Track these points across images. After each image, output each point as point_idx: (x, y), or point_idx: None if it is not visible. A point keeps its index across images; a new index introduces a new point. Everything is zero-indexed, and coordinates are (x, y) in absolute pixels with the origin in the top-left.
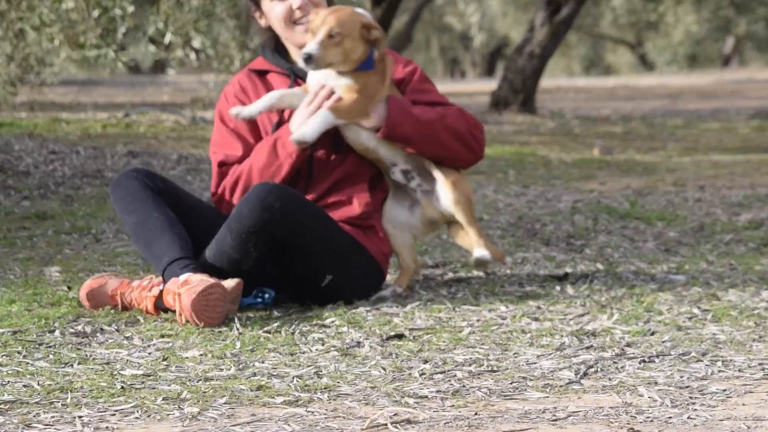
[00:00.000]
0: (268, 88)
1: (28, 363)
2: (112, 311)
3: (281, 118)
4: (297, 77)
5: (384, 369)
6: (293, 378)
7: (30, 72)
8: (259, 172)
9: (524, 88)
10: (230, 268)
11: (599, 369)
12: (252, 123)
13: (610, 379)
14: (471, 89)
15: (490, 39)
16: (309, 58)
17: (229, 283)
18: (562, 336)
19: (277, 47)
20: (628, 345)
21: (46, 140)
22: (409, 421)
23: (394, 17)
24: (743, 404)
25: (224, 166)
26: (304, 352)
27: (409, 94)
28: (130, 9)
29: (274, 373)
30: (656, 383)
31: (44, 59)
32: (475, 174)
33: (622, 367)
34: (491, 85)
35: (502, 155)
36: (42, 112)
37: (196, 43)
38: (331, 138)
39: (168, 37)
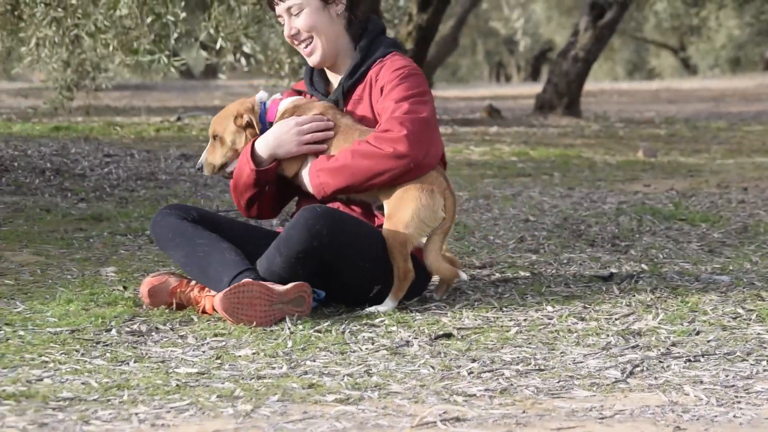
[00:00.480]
0: None
1: (85, 361)
2: (167, 311)
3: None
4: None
5: (433, 367)
6: (344, 376)
7: (85, 77)
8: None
9: (569, 92)
10: (281, 284)
11: (645, 368)
12: None
13: (656, 378)
14: (516, 93)
15: (534, 43)
16: (200, 168)
17: (286, 285)
18: (608, 335)
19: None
20: (674, 344)
21: (102, 144)
22: (457, 419)
23: (440, 22)
24: None
25: None
26: (354, 351)
27: (381, 99)
28: (182, 15)
29: (325, 372)
30: (701, 382)
31: (99, 65)
32: (521, 176)
33: (667, 367)
34: (536, 88)
35: (547, 157)
36: (97, 116)
37: (247, 48)
38: None
39: (219, 43)
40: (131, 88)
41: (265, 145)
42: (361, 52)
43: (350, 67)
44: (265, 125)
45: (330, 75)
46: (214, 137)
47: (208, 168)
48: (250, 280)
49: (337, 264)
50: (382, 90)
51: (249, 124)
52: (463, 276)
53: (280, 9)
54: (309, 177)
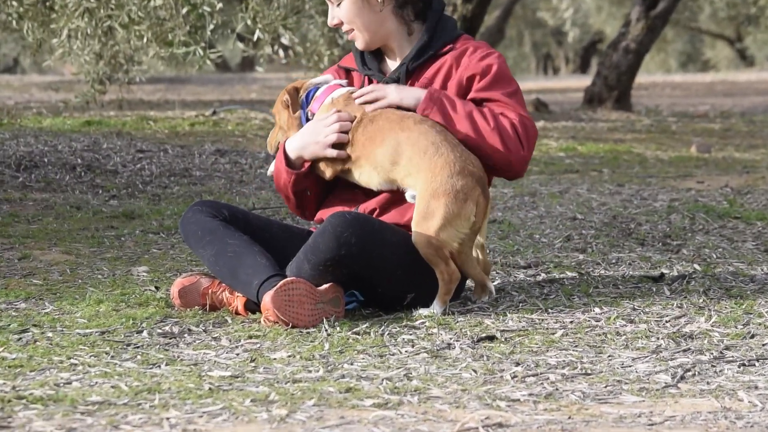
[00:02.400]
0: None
1: (116, 364)
2: (200, 312)
3: None
4: (372, 81)
5: (475, 371)
6: (383, 380)
7: (118, 70)
8: (276, 177)
9: (619, 84)
10: None
11: (697, 372)
12: None
13: (708, 383)
14: (564, 85)
15: (583, 34)
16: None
17: (323, 285)
18: (658, 338)
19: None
20: (727, 348)
21: (134, 139)
22: (500, 425)
23: (486, 12)
24: None
25: None
26: (393, 354)
27: (472, 93)
28: (219, 6)
29: (363, 375)
30: (756, 387)
31: (133, 57)
32: (569, 173)
33: (720, 371)
34: (585, 81)
35: (596, 153)
36: (130, 110)
37: (285, 39)
38: None
39: (256, 34)
40: (165, 81)
41: (292, 145)
42: (428, 33)
43: (416, 48)
44: (305, 113)
45: (385, 54)
46: (276, 117)
47: (269, 147)
48: (296, 278)
49: (368, 273)
50: (470, 79)
51: (287, 105)
52: (490, 286)
53: None
54: (429, 90)
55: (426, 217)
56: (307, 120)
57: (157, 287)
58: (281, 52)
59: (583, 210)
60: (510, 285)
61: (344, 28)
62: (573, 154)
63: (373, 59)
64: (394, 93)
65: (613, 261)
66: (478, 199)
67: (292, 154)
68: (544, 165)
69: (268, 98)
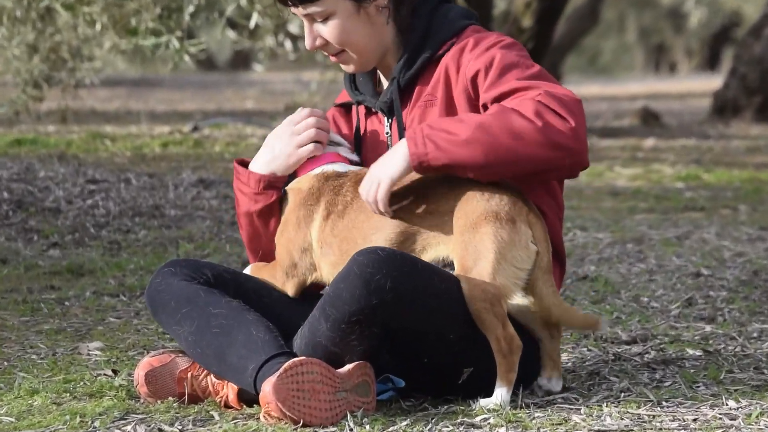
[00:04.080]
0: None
1: None
2: (176, 404)
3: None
4: (370, 113)
5: None
6: None
7: (61, 68)
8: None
9: (763, 87)
10: (329, 362)
11: None
12: None
13: None
14: (683, 88)
15: (712, 16)
16: None
17: (345, 366)
18: None
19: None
20: None
21: (84, 164)
22: None
23: None
24: None
25: None
26: None
27: (481, 97)
28: None
29: None
30: None
31: (81, 50)
32: (690, 210)
33: None
34: (714, 82)
35: (729, 183)
36: (77, 124)
37: (293, 27)
38: None
39: (254, 20)
40: (127, 84)
41: (260, 163)
42: (419, 31)
43: (405, 55)
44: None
45: (380, 73)
46: None
47: None
48: (306, 358)
49: (409, 333)
50: (474, 80)
51: None
52: (605, 327)
53: (297, 11)
54: (407, 136)
55: (470, 259)
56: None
57: (115, 371)
58: (288, 44)
59: (710, 263)
60: (607, 367)
61: (331, 50)
62: (696, 184)
63: (366, 80)
64: (380, 172)
65: (754, 335)
66: (528, 218)
67: (259, 171)
68: (654, 200)
69: (270, 108)
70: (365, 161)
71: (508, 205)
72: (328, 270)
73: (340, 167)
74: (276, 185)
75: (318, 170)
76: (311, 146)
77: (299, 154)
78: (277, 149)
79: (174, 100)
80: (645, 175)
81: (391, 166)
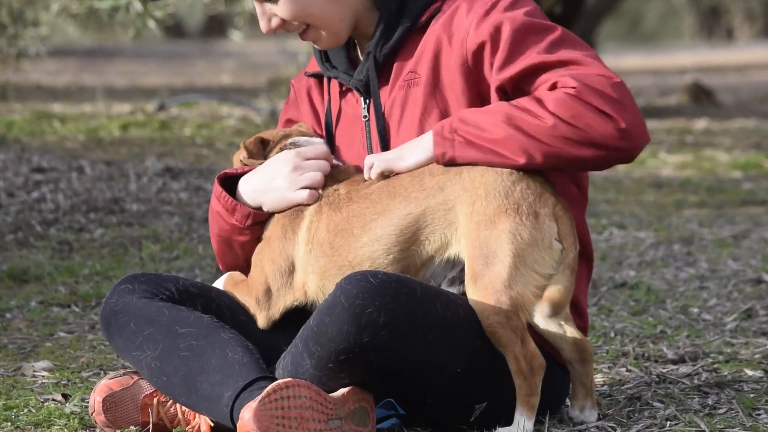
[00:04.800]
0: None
1: None
2: None
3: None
4: (345, 90)
5: None
6: None
7: (0, 35)
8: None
9: None
10: None
11: None
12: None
13: None
14: (742, 60)
15: None
16: None
17: (339, 391)
18: None
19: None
20: None
21: (28, 150)
22: None
23: None
24: None
25: None
26: None
27: (494, 79)
28: None
29: None
30: None
31: (23, 14)
32: (749, 204)
33: None
34: None
35: None
36: (20, 102)
37: None
38: None
39: None
40: (79, 54)
41: (251, 188)
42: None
43: (381, 25)
44: None
45: (356, 41)
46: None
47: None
48: (294, 380)
49: (408, 373)
50: (478, 54)
51: (250, 154)
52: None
53: None
54: (434, 131)
55: (482, 262)
56: None
57: (65, 396)
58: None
59: None
60: (650, 391)
61: (291, 28)
62: (756, 174)
63: (340, 52)
64: (395, 158)
65: None
66: (555, 211)
67: (247, 198)
68: (706, 192)
69: (249, 83)
70: (338, 147)
71: (533, 195)
72: (315, 283)
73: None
74: (263, 218)
75: None
76: (306, 194)
77: (293, 199)
78: (274, 183)
79: (136, 73)
80: (695, 162)
81: (409, 159)
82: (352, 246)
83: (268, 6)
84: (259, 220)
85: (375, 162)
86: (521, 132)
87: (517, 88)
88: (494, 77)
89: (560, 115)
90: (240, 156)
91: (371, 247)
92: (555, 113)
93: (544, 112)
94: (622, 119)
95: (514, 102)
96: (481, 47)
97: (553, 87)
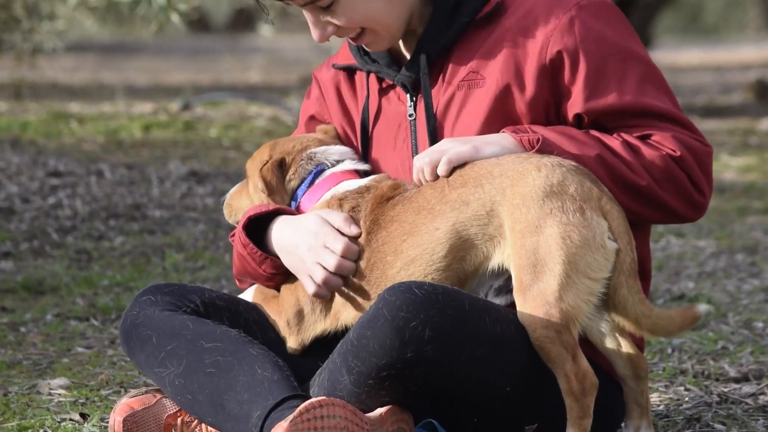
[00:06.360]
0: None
1: None
2: None
3: None
4: (385, 86)
5: None
6: None
7: (14, 30)
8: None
9: None
10: None
11: None
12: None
13: None
14: None
15: None
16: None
17: (377, 410)
18: None
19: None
20: None
21: (44, 152)
22: None
23: None
24: None
25: None
26: None
27: (575, 98)
28: None
29: None
30: None
31: (38, 8)
32: None
33: None
34: None
35: None
36: (36, 101)
37: None
38: None
39: None
40: (99, 50)
41: (279, 236)
42: None
43: (435, 19)
44: (295, 205)
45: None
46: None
47: (227, 212)
48: (328, 398)
49: (455, 390)
50: (557, 63)
51: (268, 185)
52: (702, 308)
53: (294, 3)
54: (509, 129)
55: (530, 271)
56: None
57: (84, 415)
58: None
59: None
60: (710, 411)
61: (346, 33)
62: None
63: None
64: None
65: None
66: (601, 205)
67: (276, 248)
68: None
69: (278, 82)
70: (377, 147)
71: (574, 184)
72: (352, 314)
73: (351, 184)
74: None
75: (327, 196)
76: (313, 288)
77: (308, 270)
78: (301, 249)
79: (158, 70)
80: (760, 166)
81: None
82: (388, 274)
83: (325, 15)
84: (283, 268)
85: (445, 155)
86: (609, 178)
87: (596, 121)
88: (573, 101)
89: (656, 177)
90: (258, 186)
91: (407, 270)
92: (651, 173)
93: (641, 169)
94: (709, 195)
95: (606, 141)
96: (559, 56)
97: (645, 137)
